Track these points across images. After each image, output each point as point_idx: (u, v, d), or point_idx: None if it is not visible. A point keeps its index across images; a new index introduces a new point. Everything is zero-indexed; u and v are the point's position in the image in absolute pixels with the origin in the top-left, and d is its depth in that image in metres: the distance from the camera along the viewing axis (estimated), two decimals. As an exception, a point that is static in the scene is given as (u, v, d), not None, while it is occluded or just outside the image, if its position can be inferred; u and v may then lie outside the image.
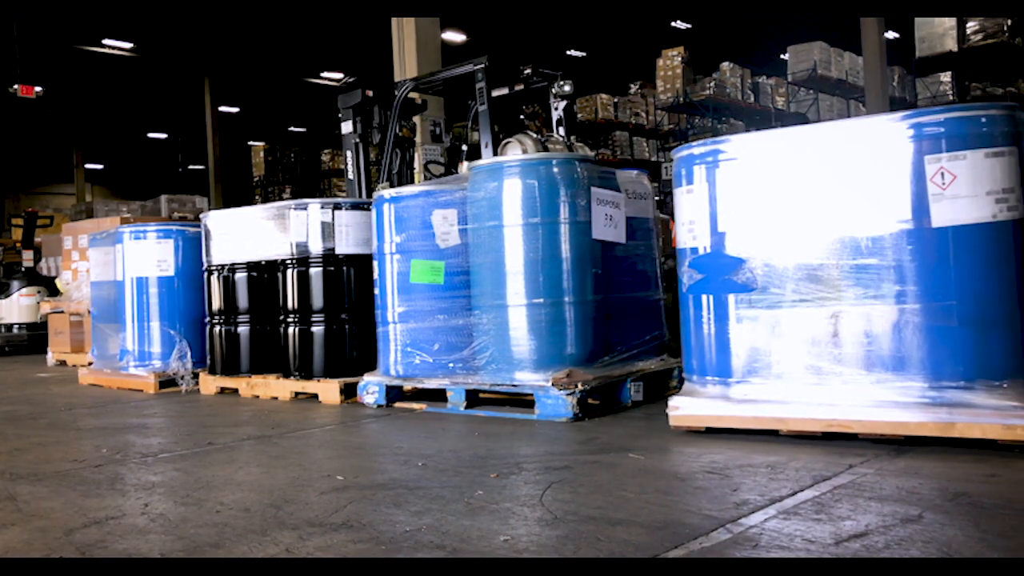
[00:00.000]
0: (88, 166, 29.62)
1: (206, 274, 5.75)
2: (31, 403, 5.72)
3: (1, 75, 13.86)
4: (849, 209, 3.22)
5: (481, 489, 2.76)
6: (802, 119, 18.65)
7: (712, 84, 18.53)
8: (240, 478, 3.13)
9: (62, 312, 8.54)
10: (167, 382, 5.99)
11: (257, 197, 23.27)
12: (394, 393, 4.74)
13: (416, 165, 7.23)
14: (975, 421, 2.95)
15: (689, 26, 22.66)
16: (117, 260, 6.32)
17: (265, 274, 5.43)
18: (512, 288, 4.25)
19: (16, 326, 10.33)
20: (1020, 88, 17.28)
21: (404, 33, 9.25)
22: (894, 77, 18.87)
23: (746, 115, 20.09)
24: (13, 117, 22.09)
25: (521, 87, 5.67)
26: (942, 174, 3.04)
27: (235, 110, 26.84)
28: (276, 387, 5.31)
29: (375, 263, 4.81)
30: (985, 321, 3.01)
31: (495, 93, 5.51)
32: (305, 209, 5.17)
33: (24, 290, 10.37)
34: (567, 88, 5.35)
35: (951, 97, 17.76)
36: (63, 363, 8.51)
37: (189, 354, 6.05)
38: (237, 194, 23.52)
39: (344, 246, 5.13)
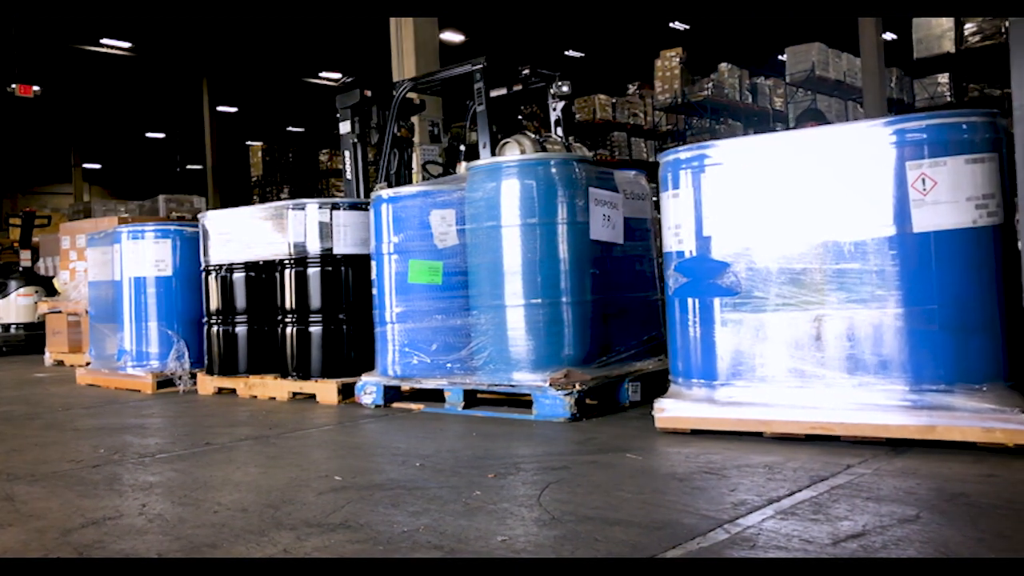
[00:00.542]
0: (86, 166, 29.57)
1: (204, 274, 5.74)
2: (28, 403, 5.71)
3: (-1, 74, 13.85)
4: (833, 214, 3.26)
5: (479, 489, 2.76)
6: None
7: (710, 85, 18.52)
8: (238, 478, 3.13)
9: (60, 312, 8.53)
10: (165, 382, 5.99)
11: (255, 197, 23.22)
12: (392, 393, 4.73)
13: (414, 165, 7.22)
14: (955, 424, 2.99)
15: (687, 27, 22.66)
16: (115, 260, 6.32)
17: (263, 274, 5.42)
18: (510, 288, 4.25)
19: (13, 326, 10.31)
20: (1018, 89, 17.25)
21: (402, 33, 9.25)
22: (892, 78, 18.87)
23: (744, 116, 20.07)
24: (11, 116, 22.08)
25: (519, 87, 5.66)
26: (923, 180, 3.08)
27: (233, 110, 26.80)
28: (274, 387, 5.30)
29: (373, 263, 4.81)
30: (965, 325, 3.05)
31: (493, 93, 5.51)
32: (303, 209, 5.17)
33: (22, 290, 10.35)
34: (565, 88, 5.35)
35: (949, 98, 17.76)
36: (60, 363, 8.49)
37: (187, 354, 6.05)
38: (235, 194, 23.47)
39: (342, 246, 5.13)
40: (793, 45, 18.23)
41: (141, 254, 6.14)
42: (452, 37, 20.02)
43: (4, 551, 2.34)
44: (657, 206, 4.12)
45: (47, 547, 2.35)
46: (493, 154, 5.09)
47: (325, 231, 5.12)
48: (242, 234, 5.50)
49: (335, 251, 5.13)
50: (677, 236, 3.63)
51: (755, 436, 3.36)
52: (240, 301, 5.53)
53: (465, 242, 4.45)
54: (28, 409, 5.37)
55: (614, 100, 20.06)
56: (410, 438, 3.84)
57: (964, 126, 3.09)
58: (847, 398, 3.20)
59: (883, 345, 3.15)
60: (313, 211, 5.14)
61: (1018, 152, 2.89)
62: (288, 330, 5.23)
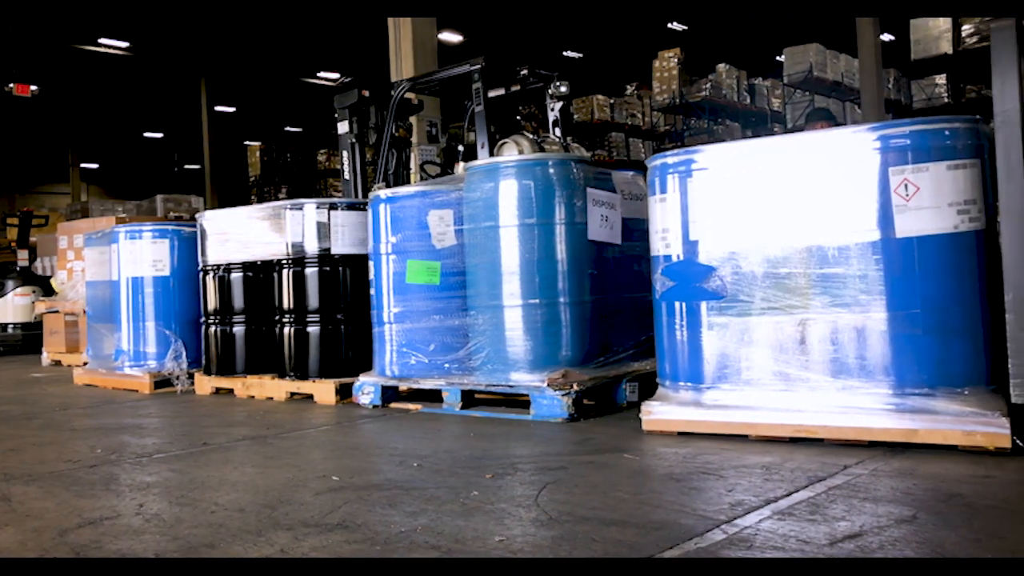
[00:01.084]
0: (84, 165, 29.54)
1: (202, 274, 5.74)
2: (25, 403, 5.70)
3: (-3, 74, 13.83)
4: (818, 219, 3.28)
5: (476, 490, 2.77)
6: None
7: (708, 86, 18.52)
8: (235, 478, 3.13)
9: (57, 312, 8.52)
10: (162, 382, 5.99)
11: (253, 197, 23.19)
12: (390, 393, 4.73)
13: (412, 165, 7.21)
14: (936, 427, 3.01)
15: (685, 28, 22.67)
16: (112, 260, 6.32)
17: (261, 274, 5.42)
18: (508, 289, 4.25)
19: (11, 326, 10.29)
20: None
21: (401, 33, 9.24)
22: (889, 79, 18.88)
23: (742, 117, 20.08)
24: (8, 116, 22.03)
25: (517, 88, 5.66)
26: (906, 185, 3.10)
27: (231, 110, 26.77)
28: (271, 387, 5.30)
29: (371, 263, 4.80)
30: (947, 329, 3.07)
31: (491, 94, 5.50)
32: (301, 209, 5.17)
33: (19, 290, 10.34)
34: (563, 89, 5.35)
35: (946, 100, 17.78)
36: (58, 363, 8.48)
37: (184, 354, 6.04)
38: (233, 194, 23.45)
39: (340, 246, 5.13)
40: (791, 46, 18.24)
41: (139, 254, 6.13)
42: (450, 37, 20.02)
43: (1, 551, 2.34)
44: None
45: (44, 547, 2.34)
46: (491, 154, 5.09)
47: (323, 231, 5.12)
48: (240, 234, 5.49)
49: (333, 251, 5.13)
50: (664, 240, 3.65)
51: (746, 438, 3.36)
52: (238, 301, 5.52)
53: (463, 242, 4.45)
54: (25, 409, 5.36)
55: (612, 101, 20.07)
56: (408, 438, 3.84)
57: (947, 132, 3.11)
58: (831, 401, 3.22)
59: (867, 349, 3.17)
60: (311, 211, 5.14)
61: (999, 158, 2.91)
62: (286, 330, 5.23)
